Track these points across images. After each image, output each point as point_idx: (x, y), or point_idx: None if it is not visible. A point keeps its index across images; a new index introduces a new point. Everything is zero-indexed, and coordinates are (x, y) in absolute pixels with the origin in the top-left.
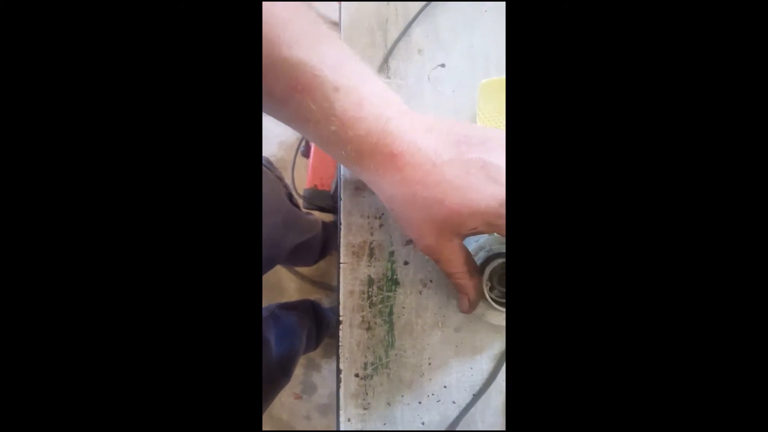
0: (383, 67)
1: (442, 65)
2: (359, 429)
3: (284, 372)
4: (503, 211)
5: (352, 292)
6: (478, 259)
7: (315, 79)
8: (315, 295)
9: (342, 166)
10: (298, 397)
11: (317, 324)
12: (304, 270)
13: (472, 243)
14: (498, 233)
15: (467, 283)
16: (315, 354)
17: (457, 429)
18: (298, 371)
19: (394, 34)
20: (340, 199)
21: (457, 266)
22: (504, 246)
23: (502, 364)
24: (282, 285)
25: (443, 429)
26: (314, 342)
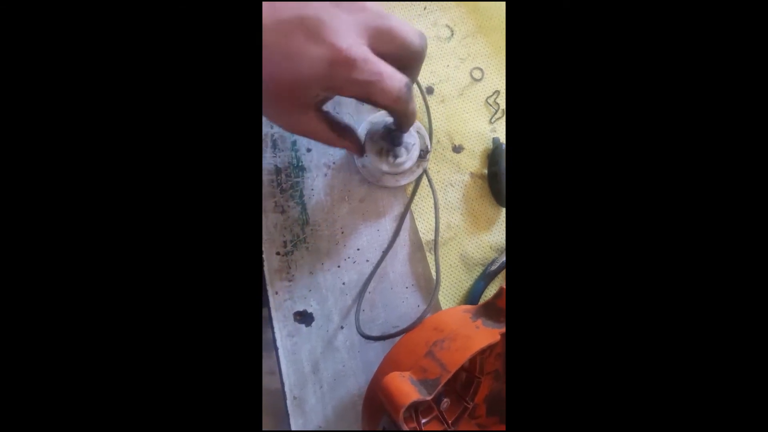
0: None
1: None
2: (287, 298)
3: None
4: (334, 71)
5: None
6: (364, 129)
7: None
8: None
9: None
10: None
11: None
12: None
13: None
14: (343, 95)
15: (344, 143)
16: None
17: (371, 282)
18: None
19: None
20: None
21: (325, 135)
22: (386, 119)
23: (404, 221)
24: None
25: (361, 284)
26: None
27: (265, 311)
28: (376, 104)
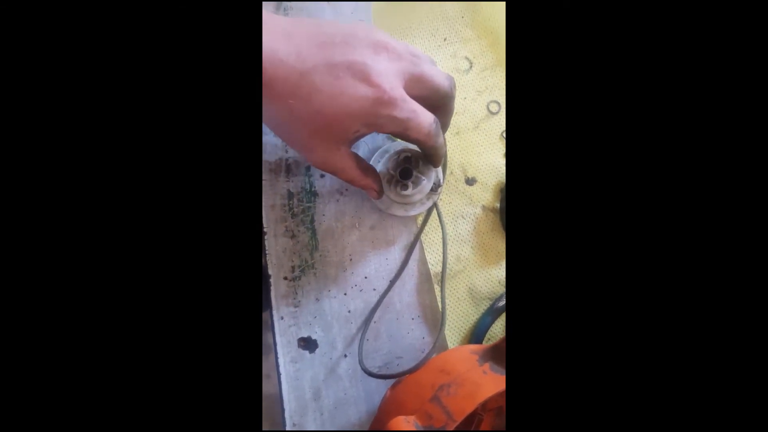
0: None
1: None
2: (292, 324)
3: None
4: (378, 109)
5: (273, 206)
6: (377, 160)
7: None
8: None
9: None
10: None
11: None
12: None
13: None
14: (379, 131)
15: (366, 182)
16: None
17: (377, 311)
18: None
19: None
20: None
21: (352, 172)
22: (398, 143)
23: (412, 251)
24: None
25: (367, 313)
26: None
27: (266, 318)
28: (409, 138)
